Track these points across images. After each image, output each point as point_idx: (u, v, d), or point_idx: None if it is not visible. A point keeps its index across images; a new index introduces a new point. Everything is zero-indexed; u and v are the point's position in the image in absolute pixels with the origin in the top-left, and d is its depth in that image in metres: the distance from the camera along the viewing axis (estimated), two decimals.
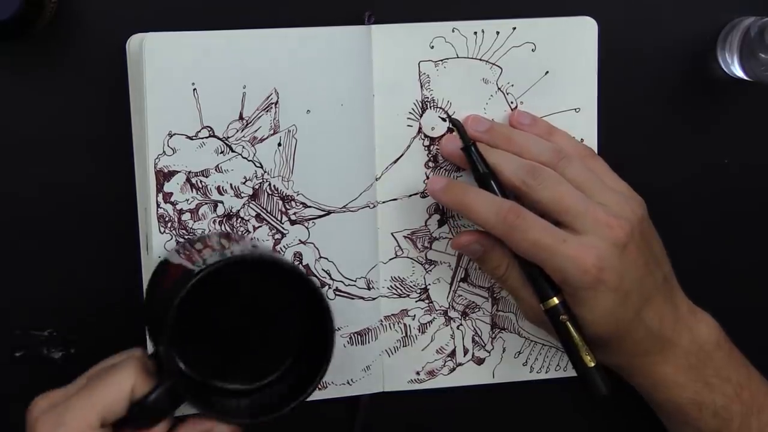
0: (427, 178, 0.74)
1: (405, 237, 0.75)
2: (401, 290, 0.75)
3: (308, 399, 0.74)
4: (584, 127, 0.75)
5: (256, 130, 0.71)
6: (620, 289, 0.67)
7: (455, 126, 0.70)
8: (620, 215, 0.68)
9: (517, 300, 0.72)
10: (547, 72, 0.74)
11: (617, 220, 0.67)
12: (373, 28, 0.72)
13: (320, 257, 0.73)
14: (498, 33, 0.73)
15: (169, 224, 0.71)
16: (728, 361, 0.72)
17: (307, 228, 0.73)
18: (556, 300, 0.68)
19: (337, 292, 0.74)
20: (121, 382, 0.64)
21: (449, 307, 0.76)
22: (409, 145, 0.74)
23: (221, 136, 0.71)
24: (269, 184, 0.72)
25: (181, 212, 0.71)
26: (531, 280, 0.69)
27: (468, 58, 0.73)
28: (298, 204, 0.72)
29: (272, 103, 0.71)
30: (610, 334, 0.68)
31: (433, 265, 0.75)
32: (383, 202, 0.74)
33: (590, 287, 0.67)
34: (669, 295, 0.71)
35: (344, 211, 0.73)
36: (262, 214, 0.72)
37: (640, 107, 0.78)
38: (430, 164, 0.74)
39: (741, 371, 0.72)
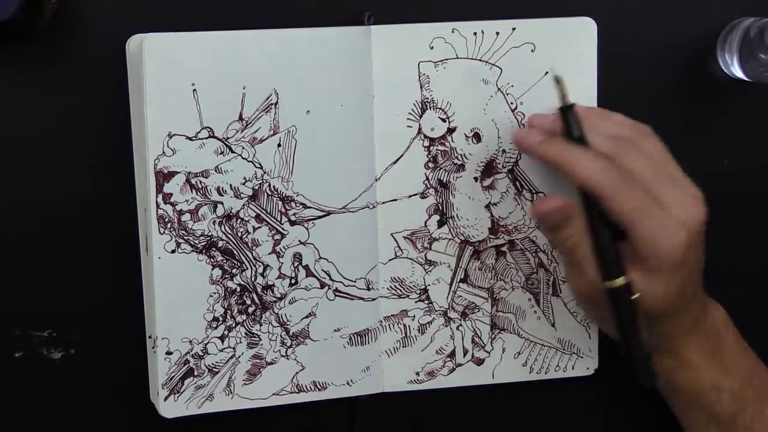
0: (427, 179, 0.74)
1: (405, 237, 0.75)
2: (401, 291, 0.75)
3: (307, 399, 0.74)
4: None
5: (255, 131, 0.71)
6: (694, 267, 0.68)
7: (558, 83, 0.68)
8: (699, 195, 0.69)
9: (575, 274, 0.69)
10: (547, 72, 0.74)
11: (699, 200, 0.68)
12: (373, 28, 0.72)
13: (320, 258, 0.73)
14: (498, 33, 0.73)
15: (168, 225, 0.71)
16: (738, 346, 0.73)
17: (307, 228, 0.73)
18: (623, 280, 0.67)
19: (336, 293, 0.74)
20: None
21: (449, 308, 0.76)
22: (408, 146, 0.74)
23: (221, 137, 0.71)
24: (269, 185, 0.72)
25: (180, 213, 0.71)
26: (601, 254, 0.67)
27: (468, 58, 0.73)
28: (297, 204, 0.72)
29: (272, 104, 0.71)
30: (670, 310, 0.68)
31: (432, 266, 0.75)
32: (383, 203, 0.74)
33: (675, 262, 0.66)
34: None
35: (344, 212, 0.73)
36: (261, 214, 0.72)
37: (640, 107, 0.78)
38: (430, 165, 0.74)
39: (749, 357, 0.73)
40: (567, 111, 0.68)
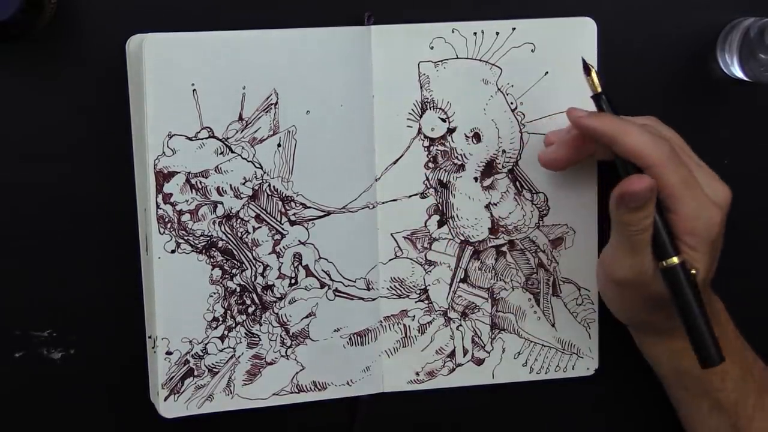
0: (427, 179, 0.74)
1: (405, 237, 0.75)
2: (401, 291, 0.75)
3: (307, 399, 0.74)
4: None
5: (255, 131, 0.71)
6: (718, 249, 0.69)
7: (588, 70, 0.69)
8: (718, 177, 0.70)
9: (629, 255, 0.69)
10: (547, 72, 0.74)
11: (722, 181, 0.70)
12: (373, 28, 0.72)
13: (320, 258, 0.73)
14: (498, 33, 0.73)
15: (168, 225, 0.71)
16: (736, 337, 0.73)
17: (307, 228, 0.73)
18: (679, 258, 0.67)
19: (336, 293, 0.74)
20: None
21: (449, 308, 0.76)
22: (408, 146, 0.74)
23: (221, 137, 0.71)
24: (269, 185, 0.72)
25: (180, 213, 0.71)
26: (655, 238, 0.68)
27: (468, 58, 0.73)
28: (297, 204, 0.72)
29: (272, 104, 0.71)
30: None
31: (432, 266, 0.75)
32: (383, 203, 0.74)
33: (710, 240, 0.68)
34: None
35: (344, 212, 0.73)
36: (261, 214, 0.72)
37: (640, 107, 0.78)
38: (430, 165, 0.74)
39: (746, 348, 0.74)
40: (600, 98, 0.69)
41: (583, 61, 0.69)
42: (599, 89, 0.69)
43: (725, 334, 0.72)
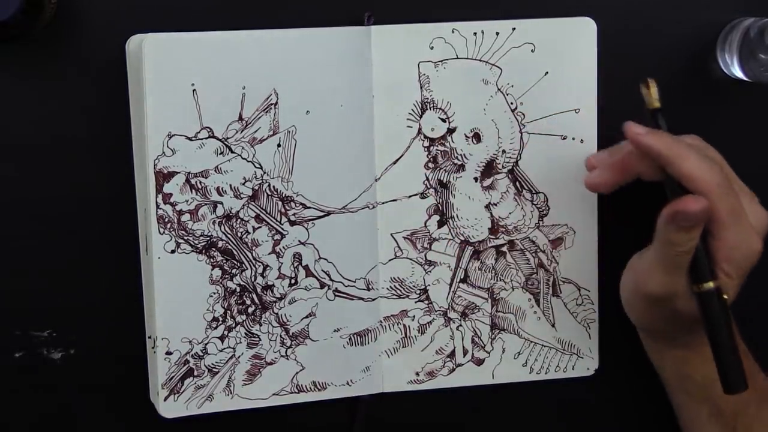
0: (427, 179, 0.74)
1: (404, 238, 0.75)
2: (401, 291, 0.75)
3: (307, 399, 0.74)
4: (584, 128, 0.75)
5: (255, 131, 0.71)
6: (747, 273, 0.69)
7: (647, 86, 0.69)
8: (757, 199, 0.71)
9: (666, 274, 0.69)
10: (547, 72, 0.74)
11: (761, 206, 0.71)
12: (373, 28, 0.72)
13: (320, 258, 0.73)
14: (498, 34, 0.73)
15: (168, 225, 0.71)
16: (741, 346, 0.73)
17: (307, 229, 0.73)
18: (715, 283, 0.68)
19: (336, 293, 0.74)
20: None
21: (449, 308, 0.76)
22: (408, 146, 0.74)
23: (221, 137, 0.71)
24: (269, 185, 0.72)
25: (180, 213, 0.71)
26: (694, 260, 0.68)
27: (468, 58, 0.73)
28: (297, 205, 0.72)
29: (272, 104, 0.71)
30: None
31: (432, 266, 0.75)
32: (383, 203, 0.74)
33: (747, 268, 0.68)
34: None
35: (344, 212, 0.73)
36: (261, 214, 0.72)
37: (640, 107, 0.78)
38: (430, 165, 0.74)
39: (749, 359, 0.73)
40: (656, 114, 0.69)
41: (645, 78, 0.69)
42: (658, 104, 0.69)
43: None
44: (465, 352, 0.77)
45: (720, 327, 0.68)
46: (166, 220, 0.71)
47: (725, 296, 0.68)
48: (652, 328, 0.75)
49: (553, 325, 0.77)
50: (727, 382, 0.67)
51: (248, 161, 0.71)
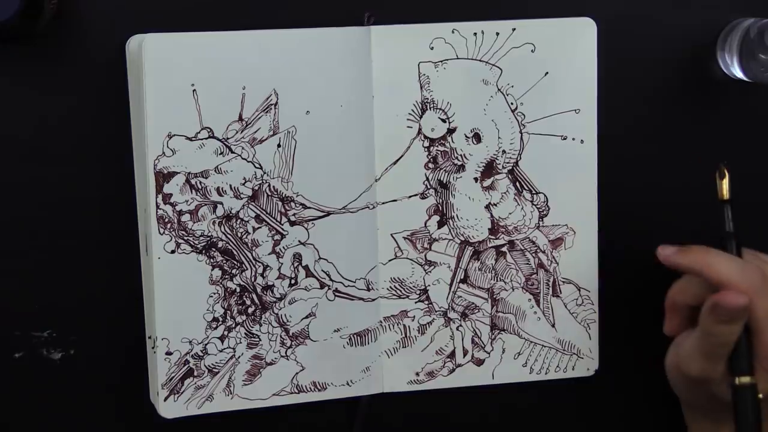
0: (427, 179, 0.74)
1: (404, 238, 0.75)
2: (401, 291, 0.75)
3: (307, 399, 0.74)
4: (584, 128, 0.75)
5: (255, 131, 0.71)
6: None
7: (721, 175, 0.71)
8: None
9: (707, 362, 0.70)
10: (547, 73, 0.74)
11: None
12: (373, 28, 0.72)
13: (320, 258, 0.73)
14: (498, 34, 0.73)
15: (168, 225, 0.71)
16: None
17: (307, 229, 0.73)
18: (752, 379, 0.69)
19: (336, 293, 0.74)
20: None
21: (449, 308, 0.76)
22: (408, 146, 0.74)
23: (221, 137, 0.71)
24: (269, 185, 0.72)
25: (180, 213, 0.71)
26: (736, 352, 0.69)
27: (468, 59, 0.73)
28: (297, 205, 0.72)
29: (272, 104, 0.71)
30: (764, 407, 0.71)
31: (432, 266, 0.75)
32: (383, 203, 0.74)
33: None
34: None
35: (344, 212, 0.73)
36: (261, 215, 0.72)
37: (639, 108, 0.78)
38: (430, 165, 0.74)
39: None
40: (726, 205, 0.71)
41: (721, 167, 0.71)
42: (727, 197, 0.71)
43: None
44: (465, 353, 0.77)
45: (749, 423, 0.69)
46: (166, 220, 0.71)
47: (761, 395, 0.69)
48: (692, 404, 0.76)
49: (553, 326, 0.77)
50: None
51: (248, 161, 0.71)
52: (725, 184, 0.71)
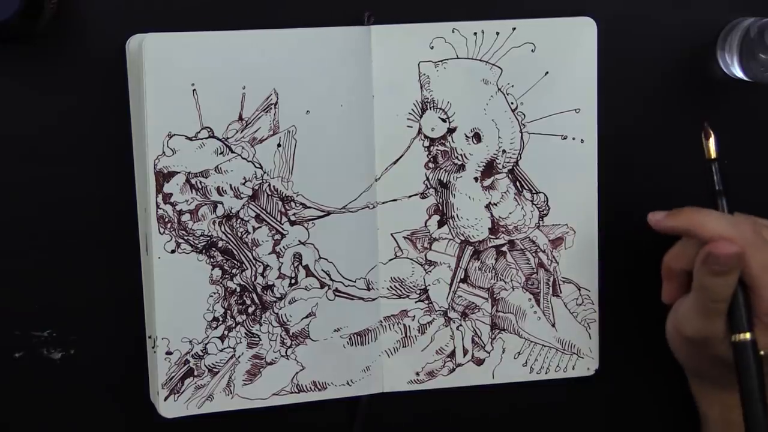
0: (427, 179, 0.74)
1: (405, 238, 0.75)
2: (401, 291, 0.75)
3: (307, 399, 0.74)
4: (584, 128, 0.75)
5: (255, 131, 0.71)
6: None
7: (707, 135, 0.71)
8: None
9: (703, 320, 0.70)
10: (547, 72, 0.74)
11: None
12: (373, 28, 0.72)
13: (320, 258, 0.73)
14: (498, 33, 0.73)
15: (168, 225, 0.71)
16: None
17: (307, 228, 0.73)
18: (751, 335, 0.68)
19: (336, 293, 0.74)
20: None
21: (449, 308, 0.76)
22: (409, 146, 0.74)
23: (221, 137, 0.71)
24: (269, 185, 0.72)
25: (180, 213, 0.71)
26: (733, 308, 0.69)
27: (468, 58, 0.73)
28: (297, 204, 0.72)
29: (272, 104, 0.71)
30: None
31: (432, 266, 0.75)
32: (383, 203, 0.74)
33: None
34: None
35: (344, 212, 0.73)
36: (261, 214, 0.72)
37: (639, 107, 0.78)
38: (430, 165, 0.74)
39: None
40: (712, 164, 0.71)
41: (706, 128, 0.71)
42: (714, 155, 0.71)
43: None
44: (465, 352, 0.77)
45: (752, 379, 0.68)
46: (166, 220, 0.71)
47: (762, 352, 0.68)
48: (697, 371, 0.76)
49: (553, 325, 0.77)
50: None
51: (248, 161, 0.71)
52: (711, 143, 0.71)
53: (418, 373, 0.76)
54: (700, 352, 0.72)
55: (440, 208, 0.75)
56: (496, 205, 0.75)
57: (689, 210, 0.70)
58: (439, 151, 0.74)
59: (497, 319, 0.77)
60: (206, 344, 0.73)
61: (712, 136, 0.71)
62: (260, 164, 0.71)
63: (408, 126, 0.73)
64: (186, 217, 0.71)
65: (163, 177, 0.70)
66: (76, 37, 0.71)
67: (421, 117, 0.73)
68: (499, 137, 0.74)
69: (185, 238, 0.71)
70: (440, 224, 0.75)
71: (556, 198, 0.76)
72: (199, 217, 0.71)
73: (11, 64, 0.71)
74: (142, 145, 0.70)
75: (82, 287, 0.73)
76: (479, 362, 0.77)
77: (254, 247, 0.72)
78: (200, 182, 0.71)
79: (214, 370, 0.73)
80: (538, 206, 0.76)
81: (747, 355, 0.68)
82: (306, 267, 0.73)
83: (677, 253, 0.72)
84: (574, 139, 0.75)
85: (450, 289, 0.76)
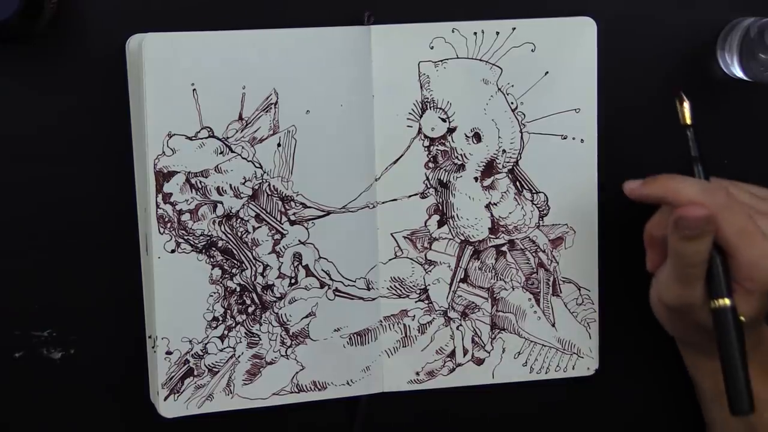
0: (427, 178, 0.74)
1: (404, 237, 0.75)
2: (401, 291, 0.75)
3: (307, 399, 0.74)
4: (584, 127, 0.75)
5: (255, 131, 0.71)
6: None
7: (681, 102, 0.70)
8: None
9: (681, 287, 0.69)
10: (547, 72, 0.74)
11: None
12: (373, 28, 0.72)
13: (320, 257, 0.73)
14: (498, 33, 0.73)
15: (168, 224, 0.71)
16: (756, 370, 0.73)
17: (307, 228, 0.73)
18: (729, 301, 0.68)
19: (336, 293, 0.74)
20: None
21: (449, 308, 0.76)
22: (408, 146, 0.74)
23: (221, 137, 0.71)
24: (269, 185, 0.72)
25: (180, 212, 0.71)
26: (711, 275, 0.68)
27: (468, 58, 0.73)
28: (297, 204, 0.72)
29: (272, 104, 0.71)
30: (750, 327, 0.69)
31: (432, 266, 0.75)
32: (383, 203, 0.74)
33: None
34: None
35: (344, 212, 0.73)
36: (261, 214, 0.72)
37: (640, 107, 0.78)
38: (430, 165, 0.74)
39: None
40: (687, 129, 0.70)
41: (678, 90, 0.71)
42: (689, 121, 0.70)
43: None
44: (465, 352, 0.77)
45: (731, 346, 0.67)
46: (166, 219, 0.71)
47: (742, 317, 0.68)
48: (683, 338, 0.76)
49: (553, 325, 0.77)
50: (733, 403, 0.67)
51: (248, 161, 0.71)
52: (686, 108, 0.70)
53: (418, 373, 0.76)
54: (683, 320, 0.71)
55: (440, 207, 0.75)
56: (496, 204, 0.75)
57: (664, 177, 0.69)
58: (439, 151, 0.74)
59: (497, 318, 0.77)
60: (206, 344, 0.73)
61: (686, 101, 0.70)
62: (260, 164, 0.71)
63: (408, 126, 0.73)
64: (186, 217, 0.71)
65: (163, 177, 0.70)
66: (76, 37, 0.71)
67: (421, 117, 0.73)
68: (499, 137, 0.74)
69: (185, 237, 0.71)
70: (440, 224, 0.75)
71: (556, 198, 0.76)
72: (199, 217, 0.71)
73: (11, 64, 0.71)
74: (142, 144, 0.70)
75: (82, 287, 0.73)
76: (479, 362, 0.77)
77: (254, 247, 0.72)
78: (200, 182, 0.71)
79: (214, 369, 0.73)
80: (538, 206, 0.76)
81: (726, 321, 0.68)
82: (306, 267, 0.73)
83: (658, 221, 0.72)
84: (574, 138, 0.75)
85: (450, 288, 0.76)
